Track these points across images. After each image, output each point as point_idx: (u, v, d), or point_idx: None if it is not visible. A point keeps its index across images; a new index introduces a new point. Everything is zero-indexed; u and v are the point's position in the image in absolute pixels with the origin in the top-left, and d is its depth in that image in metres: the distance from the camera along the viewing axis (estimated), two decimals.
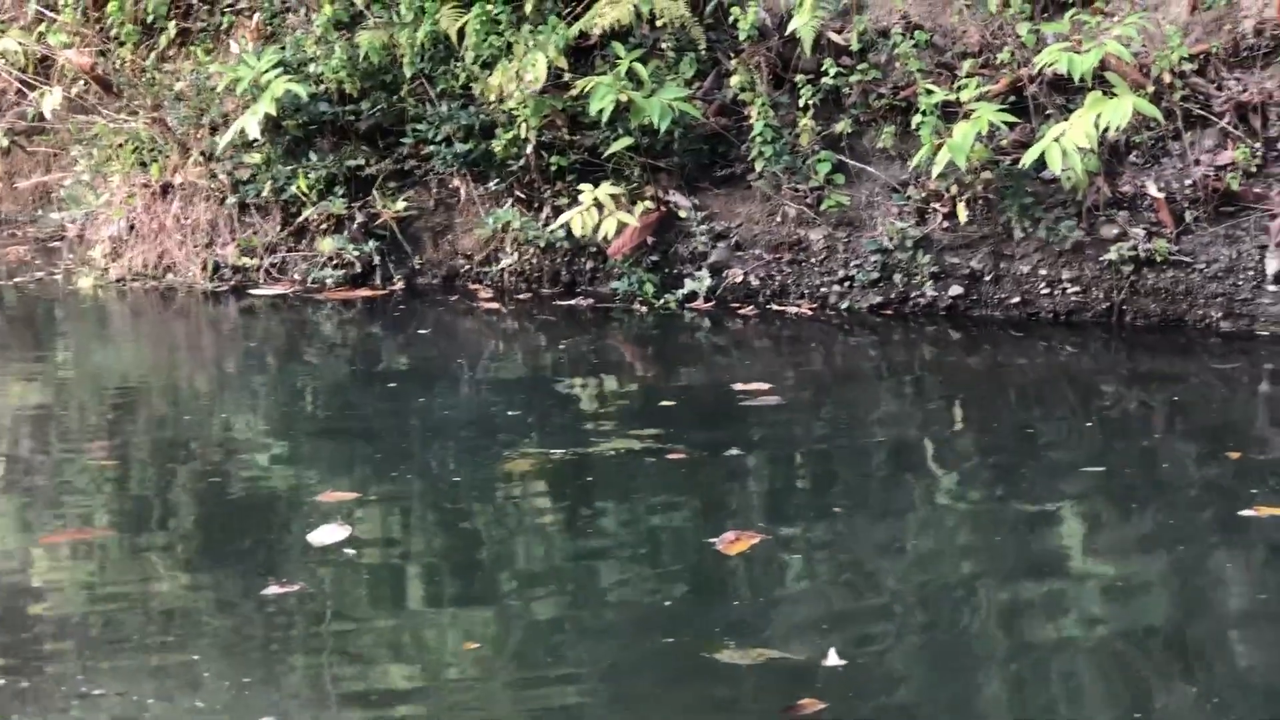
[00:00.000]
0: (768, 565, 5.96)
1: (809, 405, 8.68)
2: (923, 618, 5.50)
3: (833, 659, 4.98)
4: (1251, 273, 9.74)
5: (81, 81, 13.39)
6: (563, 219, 10.79)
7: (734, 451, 7.47)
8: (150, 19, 13.15)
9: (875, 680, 4.96)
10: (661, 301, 10.78)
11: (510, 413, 8.45)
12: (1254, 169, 9.72)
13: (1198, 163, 9.79)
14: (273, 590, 5.67)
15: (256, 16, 12.53)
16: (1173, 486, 7.03)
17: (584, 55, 11.16)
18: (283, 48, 11.90)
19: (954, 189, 10.11)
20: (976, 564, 6.03)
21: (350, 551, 6.09)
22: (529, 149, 11.04)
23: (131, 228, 12.42)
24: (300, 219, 11.82)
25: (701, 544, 6.13)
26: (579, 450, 7.49)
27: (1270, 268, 9.67)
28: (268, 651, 5.24)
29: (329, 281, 11.65)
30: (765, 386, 8.66)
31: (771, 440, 7.78)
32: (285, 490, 7.10)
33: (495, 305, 11.10)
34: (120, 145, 12.67)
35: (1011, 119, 9.86)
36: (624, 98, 10.52)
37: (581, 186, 10.80)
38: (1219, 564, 6.06)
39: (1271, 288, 9.70)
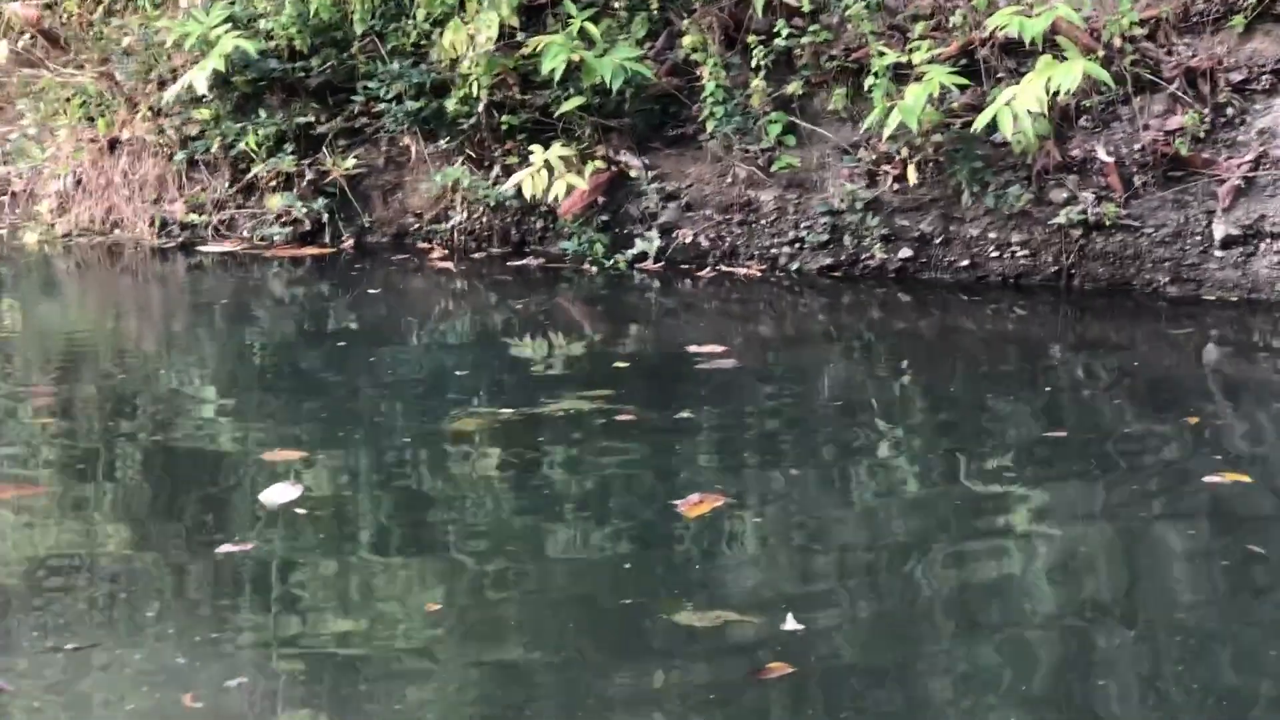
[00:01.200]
0: (727, 528, 5.95)
1: (766, 368, 8.68)
2: (881, 582, 5.50)
3: (791, 623, 4.99)
4: (1199, 238, 9.80)
5: (28, 35, 13.26)
6: (513, 180, 10.77)
7: (686, 415, 7.46)
8: None
9: (833, 644, 4.96)
10: (611, 262, 10.76)
11: (459, 372, 8.43)
12: (1202, 134, 9.77)
13: (1147, 127, 9.84)
14: (225, 549, 5.65)
15: None
16: (1133, 452, 7.02)
17: (536, 14, 11.12)
18: (232, 3, 11.82)
19: (904, 151, 10.14)
20: (934, 527, 6.04)
21: (301, 511, 6.06)
22: (480, 108, 11.00)
23: (78, 183, 12.34)
24: (249, 176, 11.78)
25: (662, 506, 6.12)
26: (527, 410, 7.46)
27: (1218, 233, 9.73)
28: (226, 610, 5.21)
29: (277, 239, 11.60)
30: (720, 349, 8.66)
31: (731, 403, 7.75)
32: (234, 449, 7.06)
33: (446, 264, 11.06)
34: (67, 100, 12.59)
35: (963, 82, 9.89)
36: (576, 57, 10.49)
37: (532, 147, 10.77)
38: (1184, 530, 6.05)
39: (1219, 253, 9.77)
